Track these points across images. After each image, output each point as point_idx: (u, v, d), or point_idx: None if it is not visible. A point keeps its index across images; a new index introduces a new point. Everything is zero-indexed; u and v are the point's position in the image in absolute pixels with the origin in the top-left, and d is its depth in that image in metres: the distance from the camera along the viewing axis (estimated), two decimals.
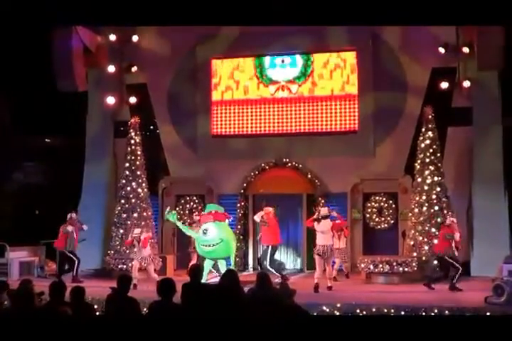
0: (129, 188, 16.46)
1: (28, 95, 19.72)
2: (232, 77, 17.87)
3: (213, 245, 12.90)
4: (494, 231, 14.93)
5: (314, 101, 17.26)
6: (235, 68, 17.89)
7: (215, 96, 17.91)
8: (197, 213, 15.65)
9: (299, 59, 17.55)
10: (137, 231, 13.96)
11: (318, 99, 17.26)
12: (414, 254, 14.69)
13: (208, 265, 13.14)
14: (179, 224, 13.88)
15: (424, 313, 9.89)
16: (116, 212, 16.43)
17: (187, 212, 17.57)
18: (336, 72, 17.27)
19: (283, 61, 17.60)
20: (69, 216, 14.88)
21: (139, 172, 16.62)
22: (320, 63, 17.38)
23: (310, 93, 17.36)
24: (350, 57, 17.18)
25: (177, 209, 17.63)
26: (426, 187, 15.06)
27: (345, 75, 17.20)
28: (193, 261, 14.59)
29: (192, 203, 17.72)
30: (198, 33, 17.14)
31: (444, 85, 16.02)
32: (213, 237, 12.91)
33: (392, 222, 16.64)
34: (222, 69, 17.94)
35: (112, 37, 17.54)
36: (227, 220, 13.54)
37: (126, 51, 17.92)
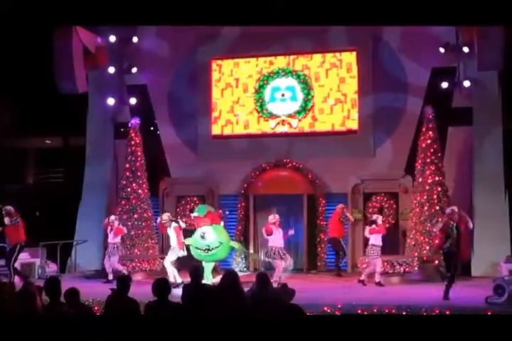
0: (129, 189, 16.49)
1: (28, 96, 19.75)
2: (232, 111, 17.80)
3: (213, 249, 13.05)
4: (495, 231, 14.90)
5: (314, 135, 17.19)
6: (235, 102, 17.79)
7: (215, 130, 17.83)
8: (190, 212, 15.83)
9: (299, 93, 17.35)
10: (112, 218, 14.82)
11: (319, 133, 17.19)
12: (415, 254, 14.68)
13: (208, 266, 13.15)
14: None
15: (424, 313, 9.87)
16: (117, 213, 16.44)
17: (187, 212, 17.54)
18: (337, 106, 17.15)
19: (283, 95, 17.41)
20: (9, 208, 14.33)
21: (139, 173, 16.66)
22: (321, 97, 17.25)
23: (311, 127, 17.27)
24: (351, 90, 17.06)
25: (177, 210, 17.65)
26: (427, 187, 15.05)
27: (345, 110, 17.10)
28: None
29: (192, 204, 17.66)
30: (198, 34, 17.17)
31: (444, 85, 16.01)
32: (212, 241, 13.05)
33: (393, 222, 16.61)
34: (222, 102, 17.84)
35: (112, 38, 17.53)
36: (221, 222, 13.71)
37: (126, 52, 17.91)
